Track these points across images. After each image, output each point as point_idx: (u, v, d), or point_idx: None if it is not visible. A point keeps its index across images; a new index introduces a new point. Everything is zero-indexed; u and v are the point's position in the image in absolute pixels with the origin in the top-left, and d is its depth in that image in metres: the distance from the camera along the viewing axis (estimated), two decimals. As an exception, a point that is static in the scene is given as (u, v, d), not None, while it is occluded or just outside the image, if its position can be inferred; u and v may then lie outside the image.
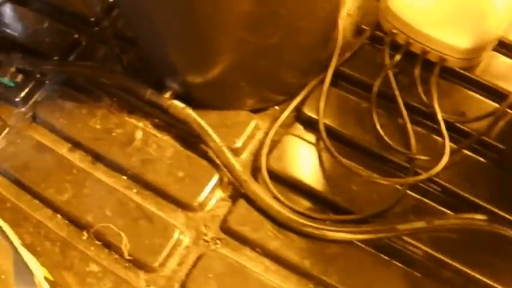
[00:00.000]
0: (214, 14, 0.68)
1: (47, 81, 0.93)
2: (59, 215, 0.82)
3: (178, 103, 0.82)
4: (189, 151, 0.83)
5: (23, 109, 0.92)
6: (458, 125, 0.83)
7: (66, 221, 0.82)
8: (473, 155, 0.80)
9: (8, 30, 0.99)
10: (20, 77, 0.91)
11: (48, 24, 0.98)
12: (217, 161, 0.81)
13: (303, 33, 0.77)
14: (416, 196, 0.78)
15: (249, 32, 0.71)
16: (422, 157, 0.80)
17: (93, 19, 0.97)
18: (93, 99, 0.89)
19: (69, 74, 0.92)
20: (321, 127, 0.82)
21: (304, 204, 0.79)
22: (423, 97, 0.84)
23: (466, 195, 0.76)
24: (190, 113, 0.81)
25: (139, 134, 0.84)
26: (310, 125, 0.84)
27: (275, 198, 0.77)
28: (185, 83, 0.83)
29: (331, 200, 0.78)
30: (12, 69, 0.91)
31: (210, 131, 0.80)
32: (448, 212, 0.77)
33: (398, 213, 0.77)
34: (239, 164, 0.79)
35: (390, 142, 0.81)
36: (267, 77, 0.81)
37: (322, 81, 0.87)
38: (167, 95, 0.83)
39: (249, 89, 0.83)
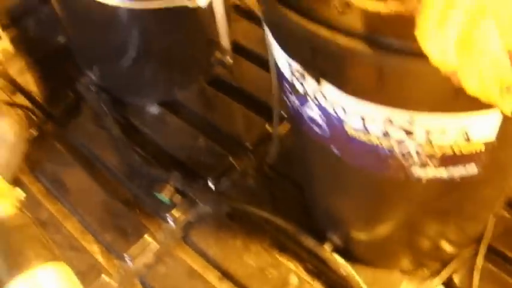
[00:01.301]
0: (404, 198, 0.76)
1: (201, 203, 1.00)
2: None
3: (339, 258, 0.89)
4: (341, 304, 0.89)
5: (173, 227, 1.00)
6: None
7: None
8: None
9: (162, 141, 1.07)
10: (178, 198, 0.99)
11: (203, 142, 1.06)
12: (368, 320, 0.87)
13: (475, 214, 0.84)
14: None
15: (429, 212, 0.79)
16: None
17: (249, 145, 1.05)
18: (247, 232, 0.96)
19: (226, 203, 0.99)
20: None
21: None
22: None
23: None
24: (351, 271, 0.88)
25: (294, 279, 0.91)
26: (459, 295, 0.91)
27: None
28: (348, 239, 0.90)
29: None
30: (171, 188, 0.99)
31: (368, 292, 0.87)
32: None
33: None
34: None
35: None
36: (428, 246, 0.88)
37: (471, 252, 0.93)
38: (327, 247, 0.90)
39: (408, 253, 0.90)
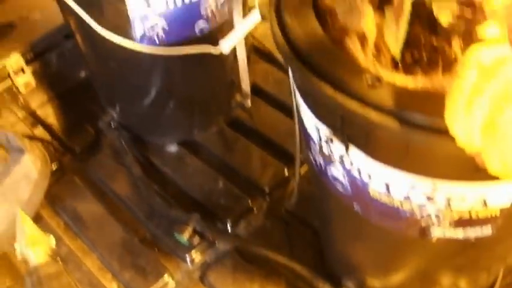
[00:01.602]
0: (419, 253, 0.80)
1: (218, 245, 1.04)
2: None
3: (354, 306, 0.93)
4: None
5: (190, 267, 1.03)
6: None
7: None
8: None
9: (182, 182, 1.11)
10: (196, 240, 1.02)
11: (222, 184, 1.10)
12: None
13: (488, 268, 0.88)
14: None
15: (443, 266, 0.83)
16: None
17: (266, 189, 1.09)
18: (264, 274, 1.00)
19: (243, 246, 1.03)
20: None
21: None
22: None
23: None
24: (366, 319, 0.91)
25: (308, 324, 0.94)
26: None
27: None
28: (362, 285, 0.93)
29: None
30: (190, 229, 1.02)
31: None
32: None
33: None
34: None
35: None
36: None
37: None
38: (343, 293, 0.94)
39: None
